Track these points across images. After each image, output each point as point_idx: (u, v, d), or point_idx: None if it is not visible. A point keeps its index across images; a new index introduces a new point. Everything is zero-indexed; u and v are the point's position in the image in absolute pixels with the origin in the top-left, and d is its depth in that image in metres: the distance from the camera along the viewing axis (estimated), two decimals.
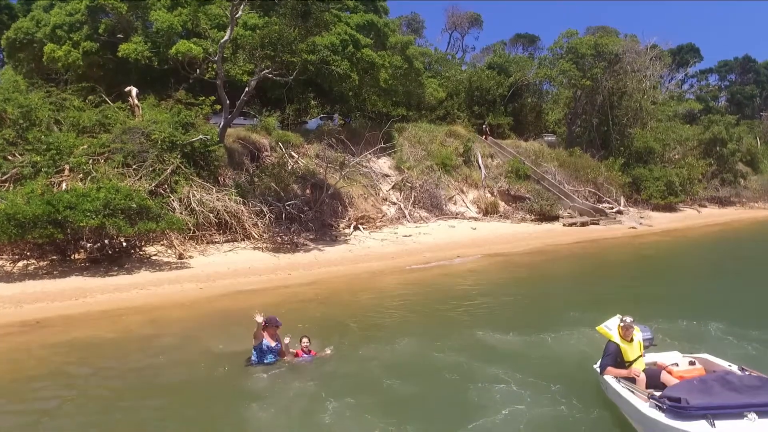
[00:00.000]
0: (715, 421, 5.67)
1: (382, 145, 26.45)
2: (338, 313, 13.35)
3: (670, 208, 40.03)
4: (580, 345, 10.29)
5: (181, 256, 17.32)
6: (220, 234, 19.43)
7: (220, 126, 22.33)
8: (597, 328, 8.07)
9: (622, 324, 7.59)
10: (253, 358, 9.28)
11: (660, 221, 35.90)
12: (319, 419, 7.39)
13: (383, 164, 29.41)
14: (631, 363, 7.47)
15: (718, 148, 46.84)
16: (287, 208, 21.48)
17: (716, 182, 46.51)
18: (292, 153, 25.49)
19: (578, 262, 22.82)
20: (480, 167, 33.24)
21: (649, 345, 8.05)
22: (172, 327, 11.98)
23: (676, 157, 43.80)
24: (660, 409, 6.14)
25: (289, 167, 24.14)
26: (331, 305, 14.16)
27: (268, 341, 9.27)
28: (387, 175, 29.08)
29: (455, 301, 14.59)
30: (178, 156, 19.47)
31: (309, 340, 9.47)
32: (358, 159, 25.60)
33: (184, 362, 9.68)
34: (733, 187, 47.70)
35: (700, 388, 6.20)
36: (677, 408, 5.96)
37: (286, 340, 9.42)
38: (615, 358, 7.51)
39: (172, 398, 8.29)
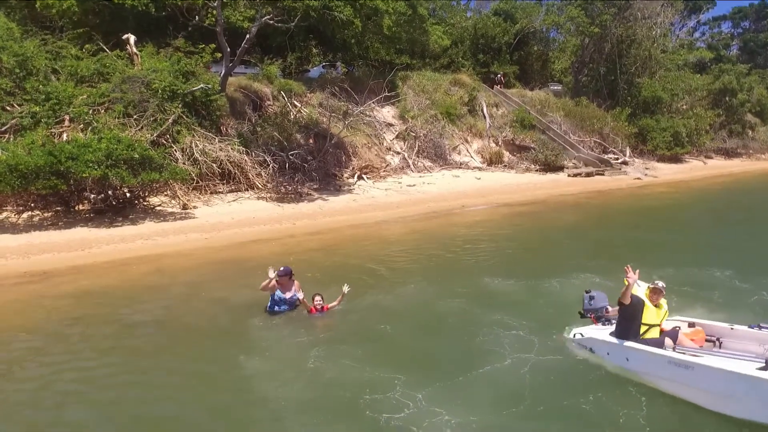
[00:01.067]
0: None
1: (386, 94, 25.96)
2: (344, 262, 13.41)
3: (675, 159, 39.64)
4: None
5: (185, 207, 17.29)
6: (223, 184, 19.35)
7: (221, 75, 21.88)
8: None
9: (652, 285, 7.21)
10: (268, 306, 9.39)
11: (665, 172, 35.64)
12: (321, 369, 7.46)
13: (387, 113, 29.00)
14: (648, 328, 7.11)
15: (727, 99, 45.93)
16: (291, 157, 21.30)
17: (724, 133, 45.87)
18: (295, 102, 25.09)
19: (583, 213, 22.76)
20: (485, 117, 32.77)
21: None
22: (179, 276, 12.05)
23: (684, 107, 43.03)
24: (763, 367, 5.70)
25: (292, 116, 23.82)
26: (336, 254, 14.21)
27: (280, 292, 9.32)
28: (391, 125, 28.72)
29: (460, 250, 14.66)
30: (179, 105, 19.15)
31: (322, 298, 9.40)
32: (361, 108, 25.18)
33: (191, 311, 9.80)
34: (741, 139, 47.06)
35: None
36: None
37: (300, 295, 9.42)
38: (634, 313, 7.11)
39: (177, 347, 8.38)
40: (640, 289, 7.28)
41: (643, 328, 7.11)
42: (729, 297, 9.86)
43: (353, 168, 24.13)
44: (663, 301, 7.29)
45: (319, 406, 6.55)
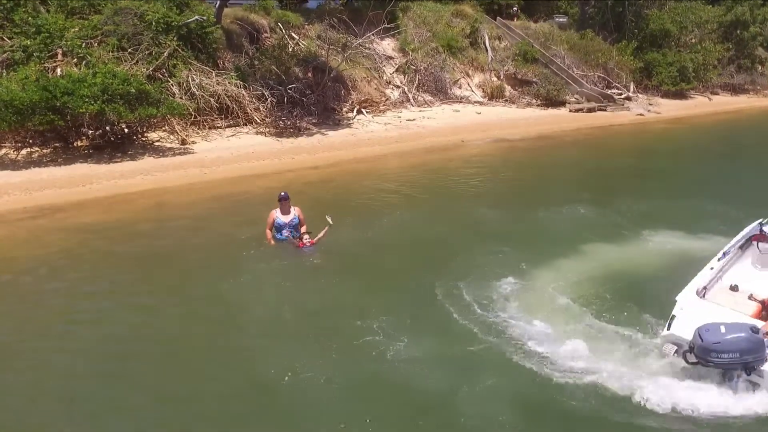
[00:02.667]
0: None
1: (386, 25, 25.25)
2: (342, 195, 13.69)
3: (680, 95, 38.95)
4: (582, 222, 10.99)
5: (183, 142, 17.28)
6: (221, 119, 19.22)
7: (217, 6, 21.29)
8: None
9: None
10: (276, 235, 9.68)
11: (669, 108, 35.14)
12: (308, 298, 7.81)
13: (387, 46, 28.35)
14: None
15: (738, 32, 44.47)
16: (289, 91, 21.02)
17: (732, 68, 44.72)
18: (293, 34, 24.50)
19: (580, 149, 22.79)
20: (487, 50, 32.03)
21: None
22: (180, 211, 12.28)
23: (693, 41, 41.81)
24: None
25: (290, 49, 23.30)
26: (334, 188, 14.44)
27: (280, 217, 9.59)
28: (391, 58, 28.13)
29: (458, 186, 14.91)
30: (174, 38, 18.75)
31: (309, 234, 9.57)
32: (360, 40, 24.61)
33: (194, 245, 10.04)
34: (749, 74, 45.89)
35: None
36: None
37: (300, 215, 9.74)
38: None
39: (178, 279, 8.70)
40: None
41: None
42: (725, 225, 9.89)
43: (352, 102, 23.86)
44: None
45: (295, 333, 6.94)
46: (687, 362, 5.53)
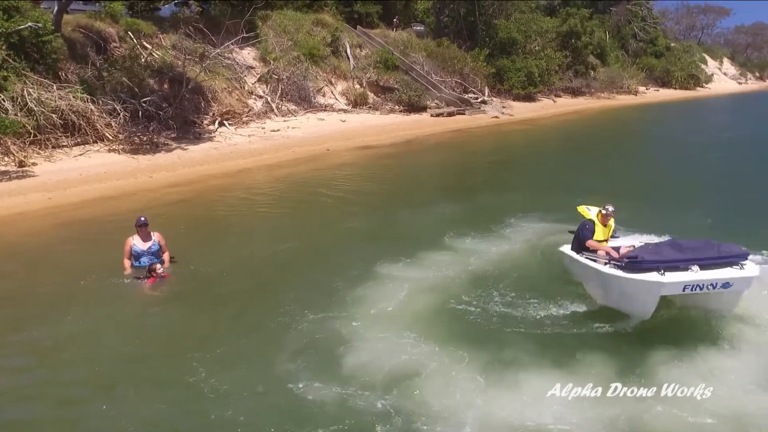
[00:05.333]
0: (665, 272, 6.78)
1: (245, 34, 24.75)
2: (205, 214, 13.21)
3: (529, 98, 42.35)
4: (446, 219, 11.90)
5: (21, 164, 15.64)
6: (67, 137, 17.66)
7: (54, 12, 19.63)
8: (578, 208, 8.87)
9: (603, 211, 8.35)
10: (134, 264, 9.03)
11: (520, 110, 38.12)
12: (145, 336, 7.20)
13: (247, 55, 27.84)
14: (599, 242, 8.32)
15: (573, 41, 49.44)
16: (144, 105, 19.90)
17: (570, 73, 49.55)
18: (145, 44, 23.25)
19: (443, 152, 24.05)
20: (348, 58, 32.60)
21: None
22: (19, 241, 11.12)
23: (537, 48, 45.66)
24: (618, 267, 7.28)
25: (143, 60, 22.10)
26: (197, 207, 13.91)
27: (138, 245, 9.02)
28: (252, 67, 27.65)
29: (325, 196, 15.05)
30: (4, 47, 16.99)
31: (161, 264, 8.90)
32: (219, 50, 23.94)
33: (33, 281, 9.04)
34: (585, 79, 51.16)
35: (653, 251, 7.31)
36: (634, 263, 7.05)
37: (160, 241, 9.17)
38: (591, 233, 8.36)
39: (12, 323, 7.70)
40: (592, 213, 8.55)
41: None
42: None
43: (214, 114, 23.13)
44: (611, 222, 8.50)
45: (115, 381, 6.24)
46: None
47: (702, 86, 74.69)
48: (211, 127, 22.27)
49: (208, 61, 23.27)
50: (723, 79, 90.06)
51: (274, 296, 8.17)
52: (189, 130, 21.22)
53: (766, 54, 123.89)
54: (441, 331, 7.03)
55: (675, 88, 67.49)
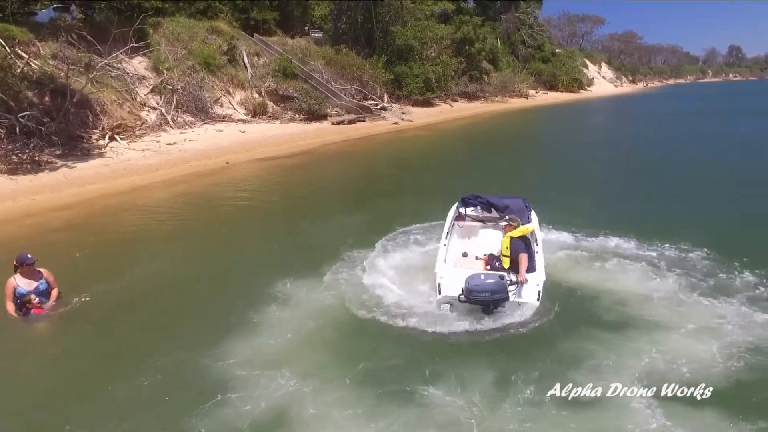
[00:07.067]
0: None
1: (135, 44, 23.73)
2: (97, 239, 12.46)
3: (427, 103, 43.72)
4: (345, 228, 12.32)
5: None
6: None
7: None
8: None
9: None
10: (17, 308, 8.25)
11: (419, 116, 39.26)
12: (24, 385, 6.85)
13: (138, 65, 26.66)
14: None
15: (467, 47, 51.66)
16: (21, 120, 18.50)
17: (465, 79, 51.72)
18: (20, 52, 21.60)
19: (347, 159, 24.34)
20: (246, 66, 32.08)
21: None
22: None
23: (433, 54, 47.22)
24: None
25: (19, 70, 20.52)
26: (87, 232, 13.05)
27: (22, 286, 8.24)
28: (144, 78, 26.51)
29: (224, 212, 14.88)
30: None
31: (37, 298, 8.30)
32: (107, 60, 22.78)
33: None
34: (479, 83, 53.60)
35: None
36: None
37: (48, 278, 8.48)
38: None
39: None
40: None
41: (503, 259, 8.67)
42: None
43: (103, 128, 21.91)
44: (514, 232, 8.52)
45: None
46: (460, 301, 7.74)
47: (585, 89, 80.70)
48: (101, 143, 21.09)
49: (94, 72, 22.04)
50: (602, 82, 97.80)
51: (162, 332, 7.86)
52: (76, 146, 19.99)
53: (637, 59, 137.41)
54: (325, 359, 6.99)
55: (561, 91, 72.49)
